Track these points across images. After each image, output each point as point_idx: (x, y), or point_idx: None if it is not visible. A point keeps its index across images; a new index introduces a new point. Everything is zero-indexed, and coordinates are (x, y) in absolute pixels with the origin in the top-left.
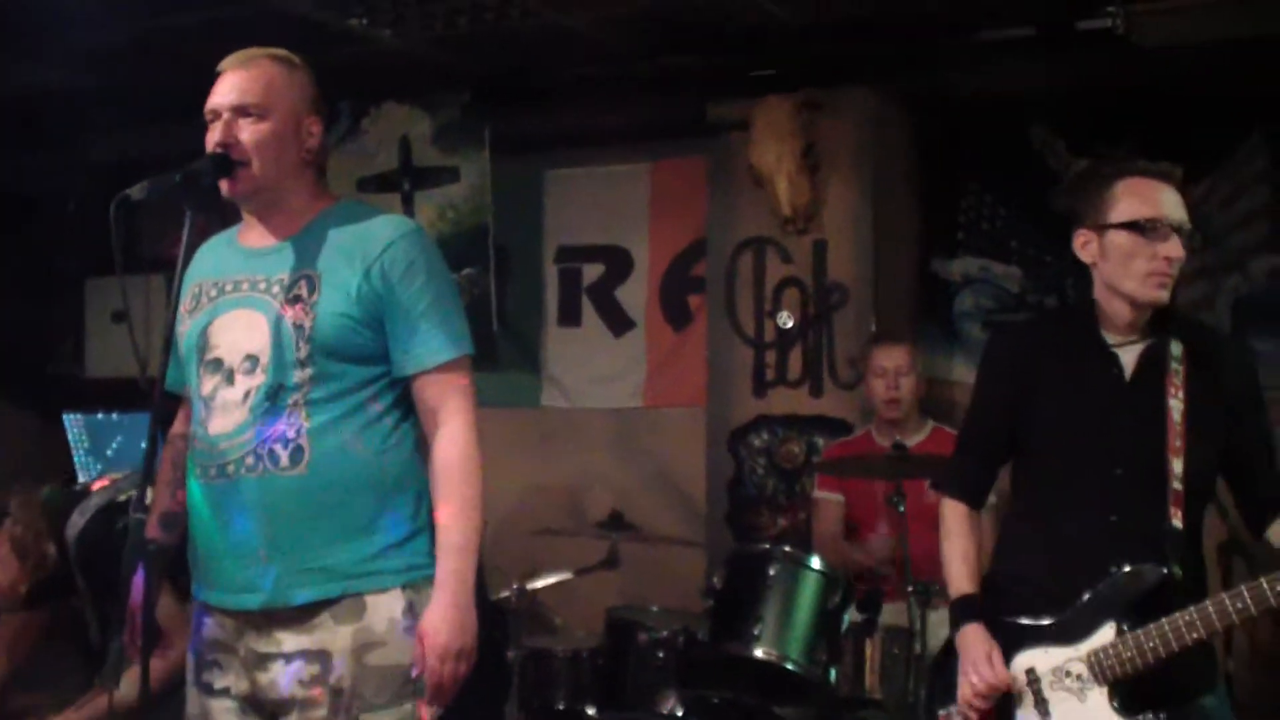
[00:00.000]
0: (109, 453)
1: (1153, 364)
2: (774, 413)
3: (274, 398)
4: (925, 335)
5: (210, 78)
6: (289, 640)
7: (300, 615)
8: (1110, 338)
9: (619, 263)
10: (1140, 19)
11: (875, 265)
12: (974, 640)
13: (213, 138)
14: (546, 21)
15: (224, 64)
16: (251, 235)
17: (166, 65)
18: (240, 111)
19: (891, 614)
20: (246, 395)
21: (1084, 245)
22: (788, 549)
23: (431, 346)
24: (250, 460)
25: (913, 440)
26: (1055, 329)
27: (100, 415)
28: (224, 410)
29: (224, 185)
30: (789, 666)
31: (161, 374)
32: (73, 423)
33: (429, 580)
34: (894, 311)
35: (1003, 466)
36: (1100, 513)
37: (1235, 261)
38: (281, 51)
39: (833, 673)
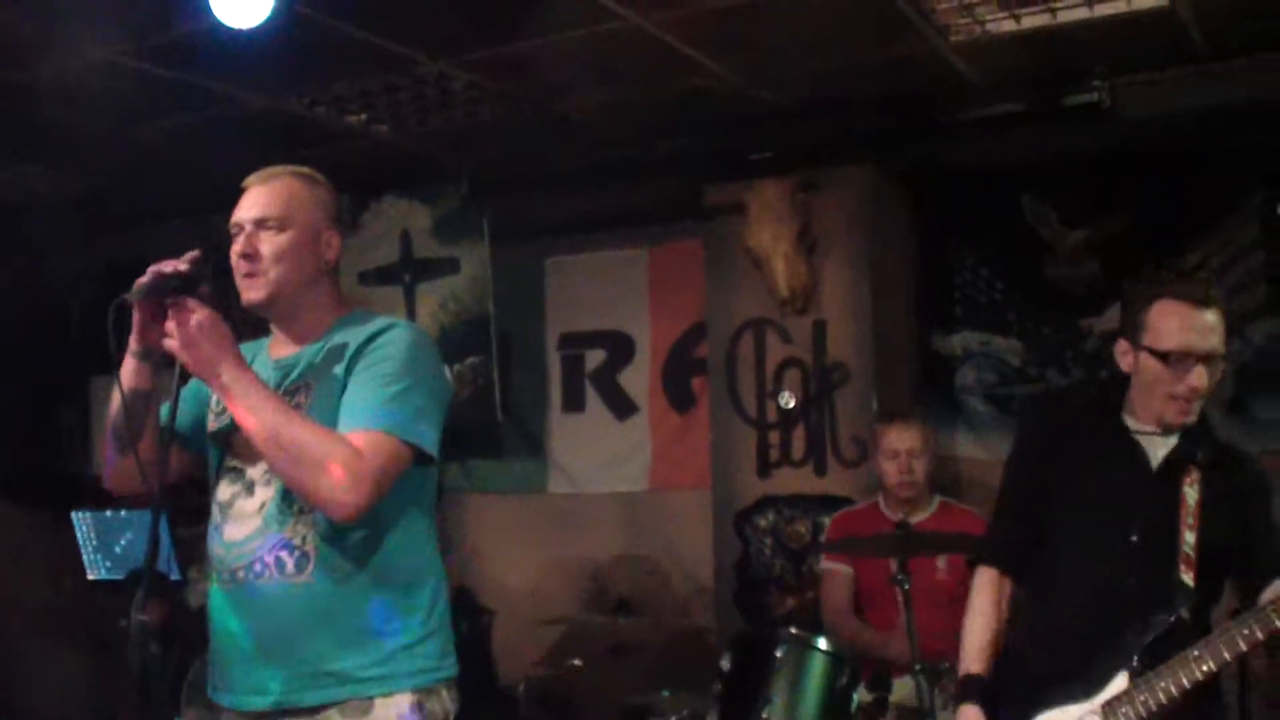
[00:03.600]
0: (117, 549)
1: (1176, 461)
2: (779, 493)
3: (284, 507)
4: (927, 410)
5: (211, 176)
6: None
7: (308, 714)
8: (1136, 427)
9: (621, 347)
10: (1124, 90)
11: (875, 343)
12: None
13: (235, 249)
14: (541, 112)
15: (248, 181)
16: (276, 347)
17: (170, 166)
18: (261, 224)
19: (901, 691)
20: (262, 506)
21: (1122, 355)
22: (794, 630)
23: (355, 414)
24: (258, 567)
25: (919, 517)
26: (1087, 407)
27: (108, 513)
28: (240, 519)
29: (245, 294)
30: None
31: (161, 469)
32: (81, 520)
33: (440, 683)
34: (895, 388)
35: (1038, 535)
36: (1116, 577)
37: (1234, 327)
38: (305, 169)
39: None
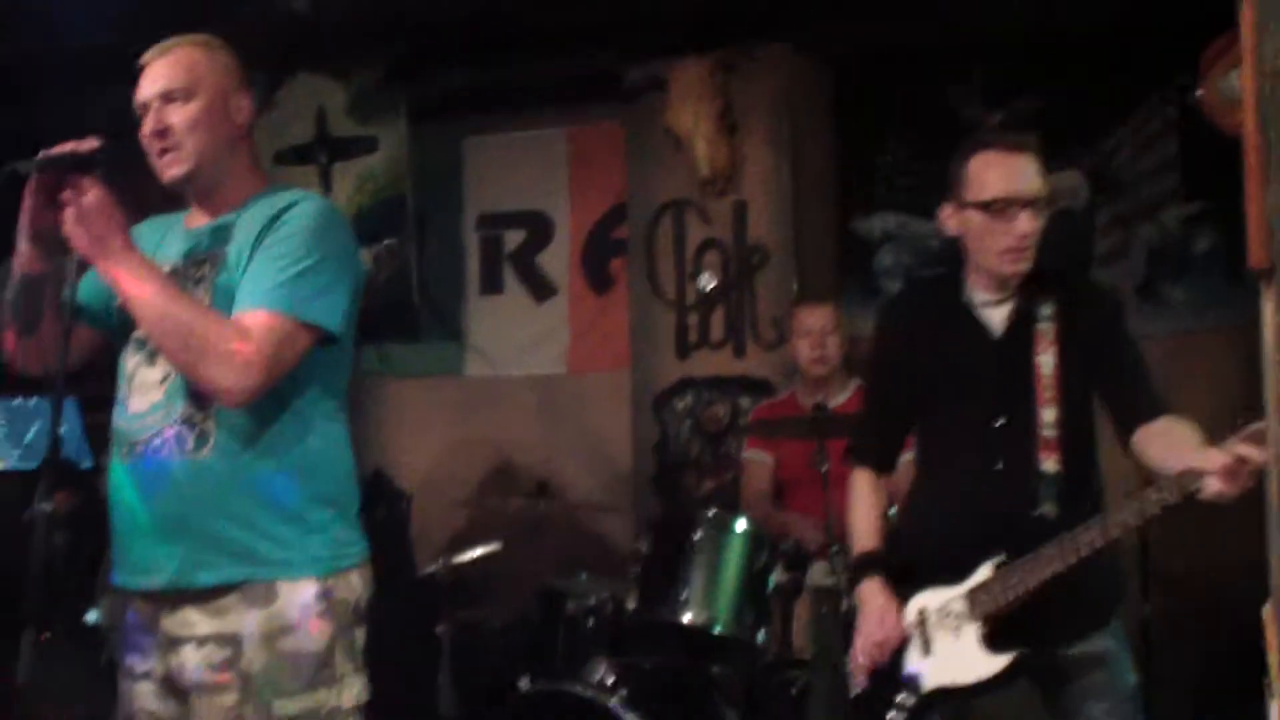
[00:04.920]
0: (27, 439)
1: (1022, 322)
2: (697, 375)
3: (186, 380)
4: (847, 293)
5: (107, 49)
6: (201, 623)
7: (208, 597)
8: (979, 298)
9: (540, 228)
10: None
11: (796, 225)
12: (870, 595)
13: (146, 129)
14: None
15: (145, 57)
16: (192, 218)
17: (59, 36)
18: (166, 98)
19: (819, 574)
20: (165, 377)
21: (947, 219)
22: (712, 512)
23: (248, 294)
24: (157, 441)
25: (836, 399)
26: (930, 296)
27: (16, 401)
28: (142, 390)
29: (165, 172)
30: (716, 630)
31: (63, 349)
32: None
33: (349, 568)
34: (816, 271)
35: (908, 430)
36: (986, 463)
37: (1148, 212)
38: (201, 36)
39: (761, 634)
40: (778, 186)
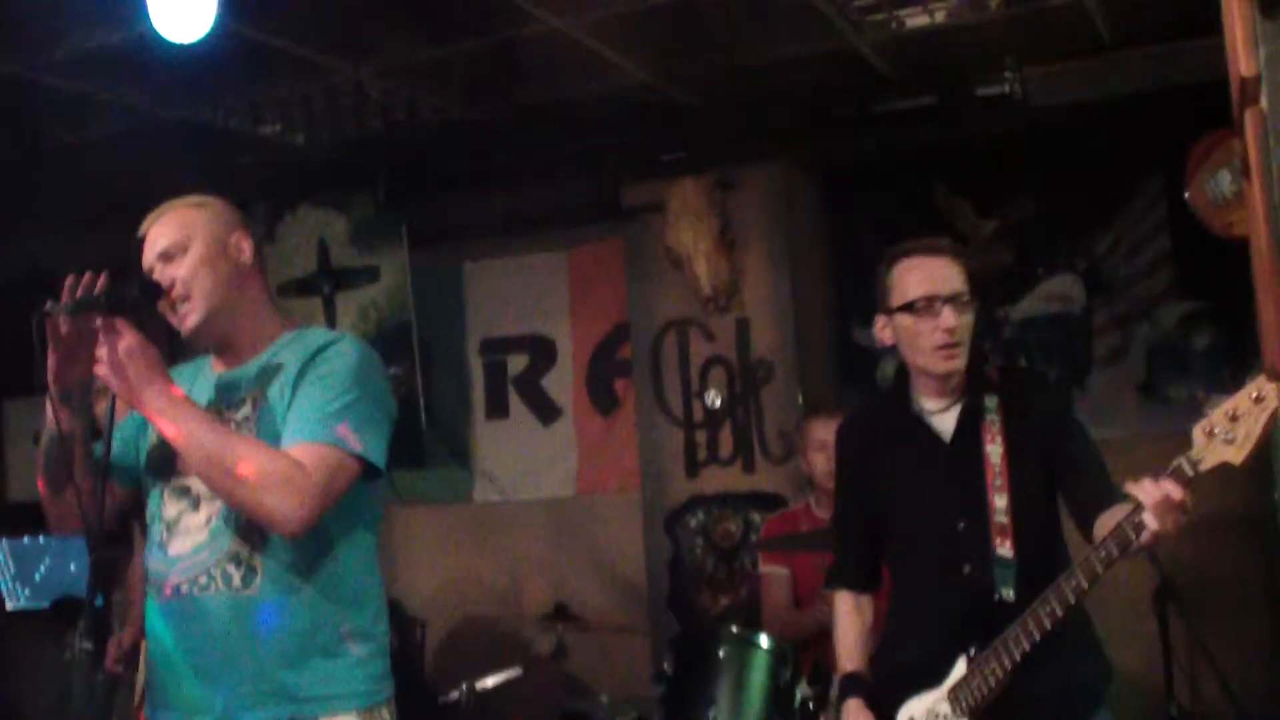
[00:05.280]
0: (36, 577)
1: (970, 421)
2: (708, 492)
3: (231, 520)
4: (851, 403)
5: (123, 187)
6: None
7: None
8: (928, 406)
9: (543, 351)
10: (1034, 82)
11: (798, 338)
12: (854, 714)
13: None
14: (454, 117)
15: (142, 228)
16: (218, 364)
17: (78, 176)
18: (165, 257)
19: None
20: (208, 520)
21: (881, 330)
22: (734, 629)
23: (296, 428)
24: (204, 580)
25: None
26: (881, 412)
27: (26, 540)
28: (186, 534)
29: (183, 326)
30: None
31: (99, 503)
32: None
33: (384, 703)
34: (819, 382)
35: (880, 545)
36: (953, 566)
37: (1144, 311)
38: (191, 197)
39: None
40: (778, 301)
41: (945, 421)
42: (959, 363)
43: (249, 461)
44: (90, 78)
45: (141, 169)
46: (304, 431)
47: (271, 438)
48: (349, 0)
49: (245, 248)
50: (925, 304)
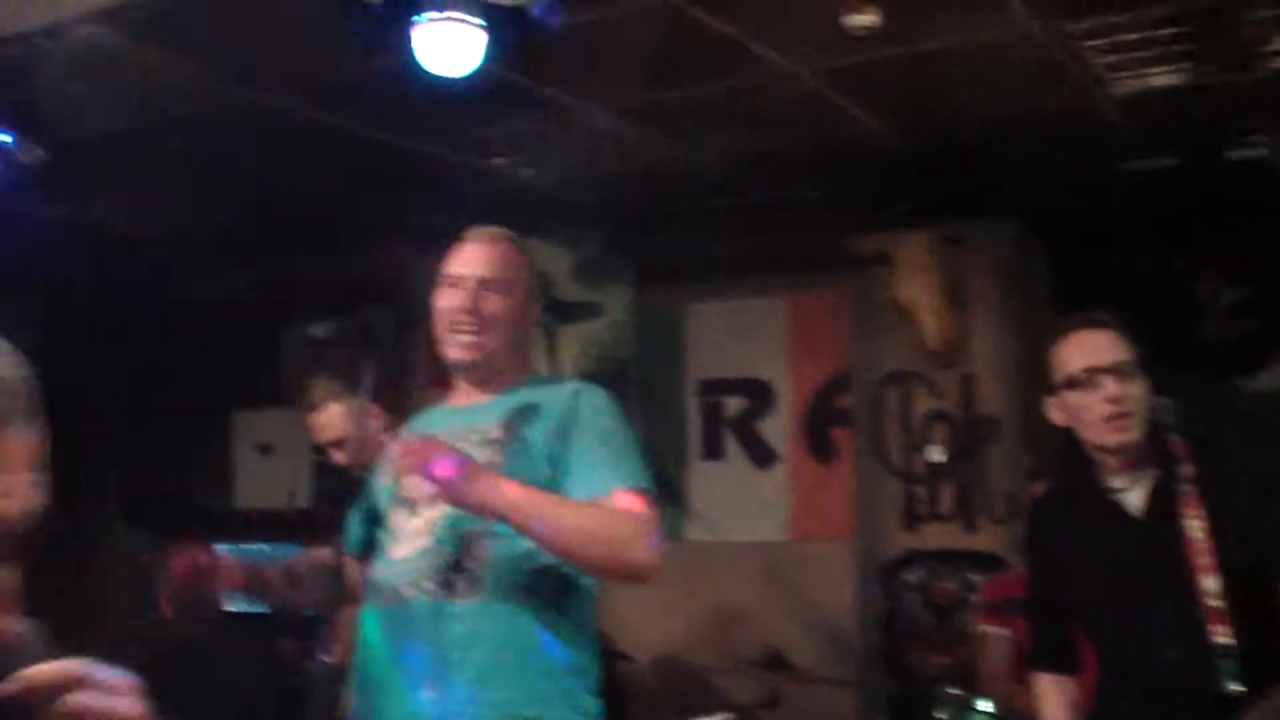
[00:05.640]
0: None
1: (1161, 495)
2: (926, 547)
3: (455, 526)
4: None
5: (354, 217)
6: None
7: None
8: (1116, 483)
9: (761, 396)
10: None
11: (1024, 399)
12: None
13: (453, 303)
14: (681, 158)
15: (470, 234)
16: (459, 397)
17: (312, 203)
18: (486, 285)
19: None
20: (429, 524)
21: (1054, 412)
22: (954, 691)
23: (606, 476)
24: (428, 585)
25: None
26: (1070, 492)
27: (248, 546)
28: (407, 538)
29: (457, 350)
30: None
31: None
32: (221, 553)
33: None
34: (1046, 445)
35: (1075, 627)
36: (1159, 650)
37: None
38: (512, 232)
39: None
40: (1005, 360)
41: (1134, 496)
42: (1132, 434)
43: (602, 528)
44: (329, 111)
45: (372, 200)
46: (620, 479)
47: (523, 472)
48: (592, 40)
49: (536, 314)
50: (1086, 376)
